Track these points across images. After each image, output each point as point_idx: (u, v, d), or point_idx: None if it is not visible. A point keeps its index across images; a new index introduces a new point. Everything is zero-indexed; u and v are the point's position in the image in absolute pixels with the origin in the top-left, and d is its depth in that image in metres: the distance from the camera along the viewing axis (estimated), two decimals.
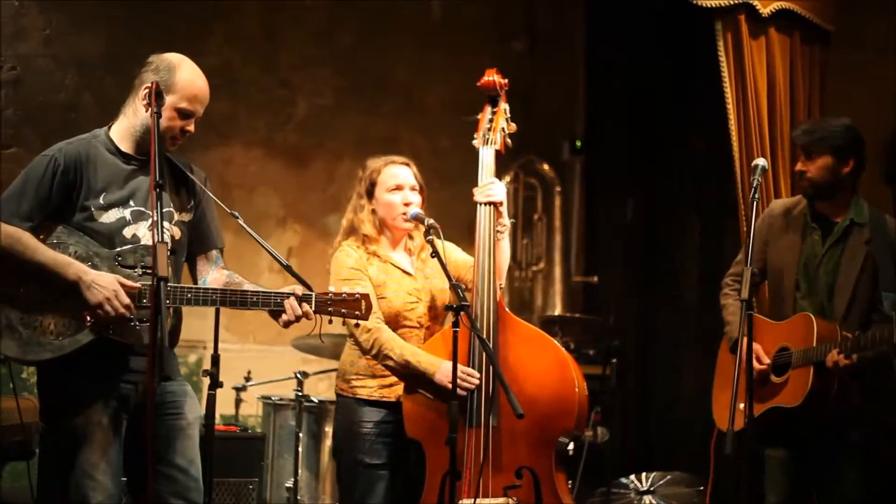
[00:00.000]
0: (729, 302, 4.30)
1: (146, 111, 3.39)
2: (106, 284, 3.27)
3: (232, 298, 3.38)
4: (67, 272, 3.27)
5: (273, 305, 3.40)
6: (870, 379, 3.98)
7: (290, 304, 3.39)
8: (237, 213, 3.51)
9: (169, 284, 3.31)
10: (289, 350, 6.11)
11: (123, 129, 3.47)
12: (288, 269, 3.47)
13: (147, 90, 3.38)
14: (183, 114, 3.43)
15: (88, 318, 3.28)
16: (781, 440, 4.04)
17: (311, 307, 3.41)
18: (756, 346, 4.10)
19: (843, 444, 3.96)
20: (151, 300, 3.08)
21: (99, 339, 3.31)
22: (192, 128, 3.47)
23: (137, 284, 3.30)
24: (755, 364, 4.05)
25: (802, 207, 4.16)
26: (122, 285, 3.28)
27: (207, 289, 3.41)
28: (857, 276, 4.00)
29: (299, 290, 3.41)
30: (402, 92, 7.45)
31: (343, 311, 3.46)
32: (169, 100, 3.39)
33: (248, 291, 3.41)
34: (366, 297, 3.48)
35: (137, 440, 3.32)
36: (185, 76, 3.44)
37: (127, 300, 3.27)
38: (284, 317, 3.39)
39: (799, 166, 4.14)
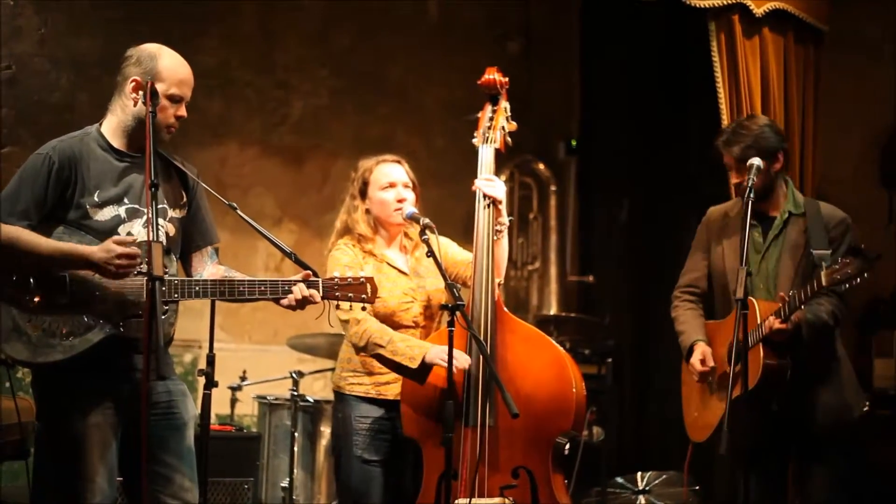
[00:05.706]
0: (679, 313, 4.29)
1: (135, 105, 3.39)
2: (105, 253, 3.23)
3: (240, 289, 3.38)
4: (77, 262, 3.25)
5: (281, 293, 3.40)
6: (821, 367, 3.98)
7: (298, 287, 3.40)
8: (235, 204, 3.50)
9: (175, 278, 3.32)
10: (284, 350, 6.11)
11: (114, 126, 3.45)
12: (291, 256, 3.48)
13: (134, 83, 3.38)
14: (174, 99, 3.41)
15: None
16: (763, 441, 4.01)
17: (317, 292, 3.42)
18: (704, 349, 4.11)
19: (816, 440, 3.97)
20: (147, 300, 3.06)
21: (109, 336, 3.29)
22: (184, 112, 3.44)
23: (132, 238, 3.29)
24: (698, 367, 4.07)
25: (740, 209, 4.15)
26: (117, 243, 3.24)
27: (215, 281, 3.39)
28: (797, 262, 4.01)
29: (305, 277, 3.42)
30: (398, 92, 7.45)
31: (350, 294, 3.48)
32: (158, 88, 3.36)
33: (255, 281, 3.40)
34: (370, 280, 3.50)
35: (133, 440, 3.29)
36: (168, 62, 3.42)
37: (129, 250, 3.22)
38: (289, 298, 3.39)
39: (734, 179, 4.10)
